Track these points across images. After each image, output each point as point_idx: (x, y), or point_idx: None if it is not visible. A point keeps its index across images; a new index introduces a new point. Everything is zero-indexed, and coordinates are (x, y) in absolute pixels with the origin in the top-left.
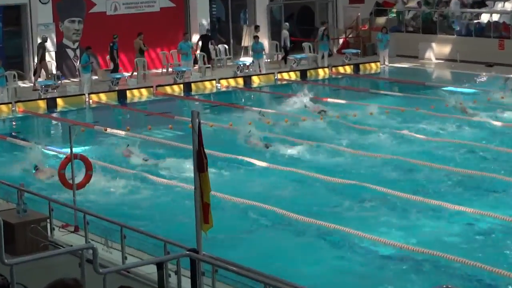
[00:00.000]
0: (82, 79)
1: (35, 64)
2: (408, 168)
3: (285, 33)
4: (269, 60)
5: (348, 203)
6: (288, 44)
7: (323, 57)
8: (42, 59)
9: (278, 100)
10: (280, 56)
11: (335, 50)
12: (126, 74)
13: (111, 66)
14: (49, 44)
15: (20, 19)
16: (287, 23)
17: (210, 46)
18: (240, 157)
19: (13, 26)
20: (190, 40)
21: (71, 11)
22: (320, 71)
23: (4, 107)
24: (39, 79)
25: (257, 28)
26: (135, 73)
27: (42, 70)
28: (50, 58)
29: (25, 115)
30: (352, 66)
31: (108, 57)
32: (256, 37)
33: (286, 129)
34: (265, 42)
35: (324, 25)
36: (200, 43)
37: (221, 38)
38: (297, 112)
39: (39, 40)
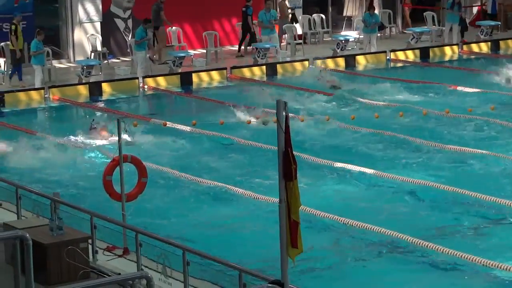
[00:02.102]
0: (135, 58)
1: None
2: None
3: None
4: (380, 35)
5: (490, 225)
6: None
7: (451, 30)
8: (160, 24)
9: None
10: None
11: (467, 22)
12: (192, 52)
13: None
14: (93, 13)
15: None
16: None
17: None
18: (337, 163)
19: None
20: (275, 8)
21: None
22: (447, 49)
23: (35, 94)
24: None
25: None
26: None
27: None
28: (94, 31)
29: (61, 104)
30: (489, 43)
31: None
32: (371, 7)
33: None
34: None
35: None
36: None
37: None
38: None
39: (79, 6)
